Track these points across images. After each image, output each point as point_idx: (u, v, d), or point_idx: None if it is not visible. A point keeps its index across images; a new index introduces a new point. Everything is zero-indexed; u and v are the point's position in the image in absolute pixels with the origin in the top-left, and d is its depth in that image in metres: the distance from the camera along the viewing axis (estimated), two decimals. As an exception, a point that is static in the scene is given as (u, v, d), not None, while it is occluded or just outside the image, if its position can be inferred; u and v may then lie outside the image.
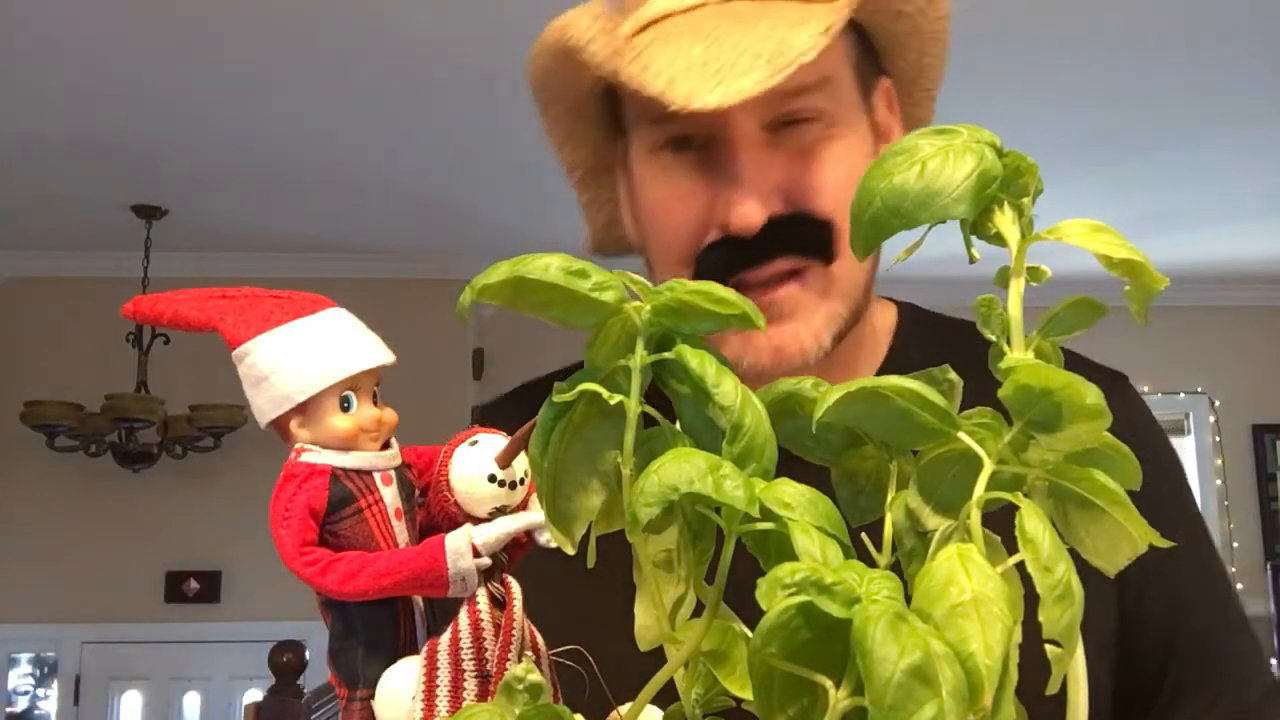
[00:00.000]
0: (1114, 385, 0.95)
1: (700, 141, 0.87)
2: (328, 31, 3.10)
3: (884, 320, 1.02)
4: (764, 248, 0.85)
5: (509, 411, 0.94)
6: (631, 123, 0.92)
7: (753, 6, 0.85)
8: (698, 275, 0.87)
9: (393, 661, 0.61)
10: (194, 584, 4.87)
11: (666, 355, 0.52)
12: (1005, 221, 0.53)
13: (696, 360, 0.51)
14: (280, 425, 0.64)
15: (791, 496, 0.49)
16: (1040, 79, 3.46)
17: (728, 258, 0.86)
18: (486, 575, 0.61)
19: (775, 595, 0.44)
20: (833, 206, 0.85)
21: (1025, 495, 0.50)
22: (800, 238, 0.86)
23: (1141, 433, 0.93)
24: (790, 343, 0.87)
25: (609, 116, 0.95)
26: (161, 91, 3.46)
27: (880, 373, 0.97)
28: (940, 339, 0.99)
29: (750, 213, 0.84)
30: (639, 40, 0.85)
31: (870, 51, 0.93)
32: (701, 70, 0.78)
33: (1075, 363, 0.99)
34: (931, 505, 0.53)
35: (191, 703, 4.90)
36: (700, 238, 0.87)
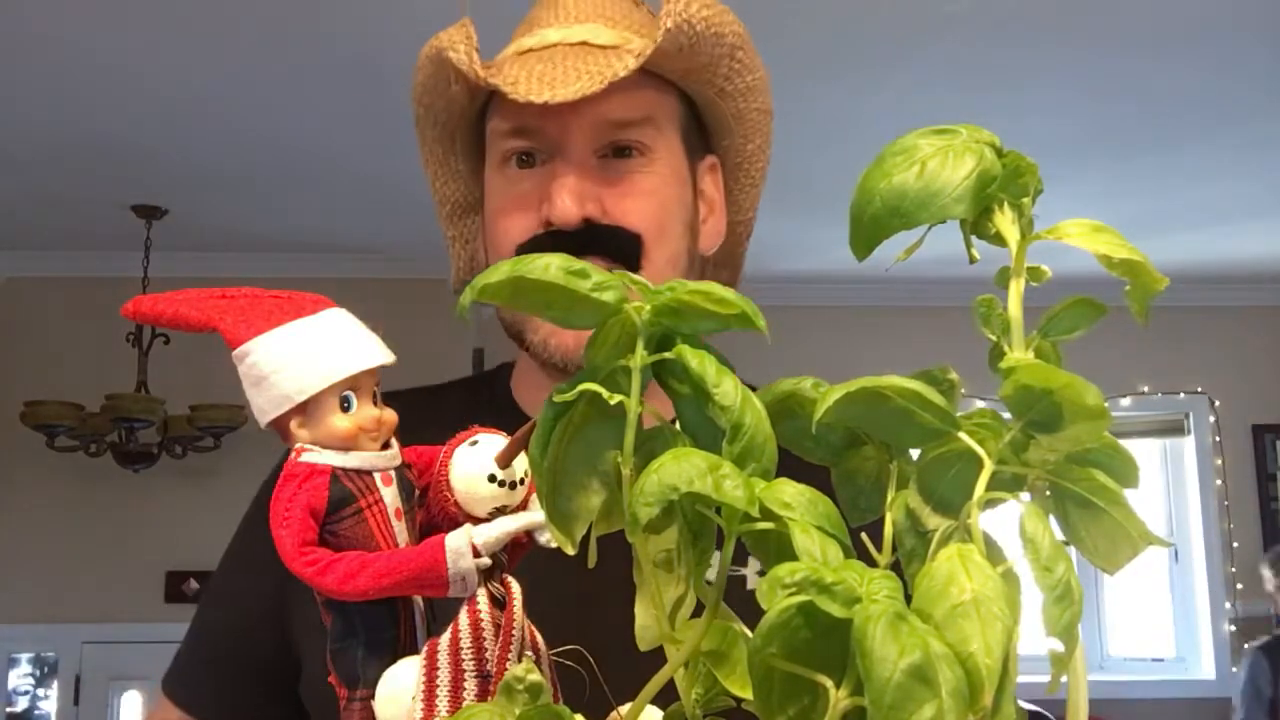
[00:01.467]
0: None
1: (542, 158, 1.00)
2: (328, 31, 3.10)
3: None
4: (578, 243, 0.95)
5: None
6: (489, 141, 1.04)
7: (593, 50, 1.01)
8: None
9: (393, 661, 0.61)
10: (194, 584, 4.87)
11: (666, 355, 0.52)
12: (1005, 221, 0.53)
13: (696, 360, 0.51)
14: (280, 425, 0.64)
15: (791, 496, 0.49)
16: (1040, 79, 3.46)
17: (545, 248, 0.96)
18: (486, 575, 0.61)
19: (775, 595, 0.44)
20: (643, 224, 0.99)
21: (1025, 495, 0.50)
22: (612, 243, 0.98)
23: None
24: None
25: (477, 150, 1.08)
26: (161, 91, 3.46)
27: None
28: None
29: (568, 207, 0.96)
30: (503, 55, 1.04)
31: (701, 128, 1.07)
32: (539, 79, 0.95)
33: None
34: (931, 505, 0.53)
35: (191, 703, 4.89)
36: (526, 236, 0.99)
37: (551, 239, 0.97)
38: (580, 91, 0.93)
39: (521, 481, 0.62)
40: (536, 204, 0.99)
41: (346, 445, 0.63)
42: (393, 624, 0.62)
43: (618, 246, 0.98)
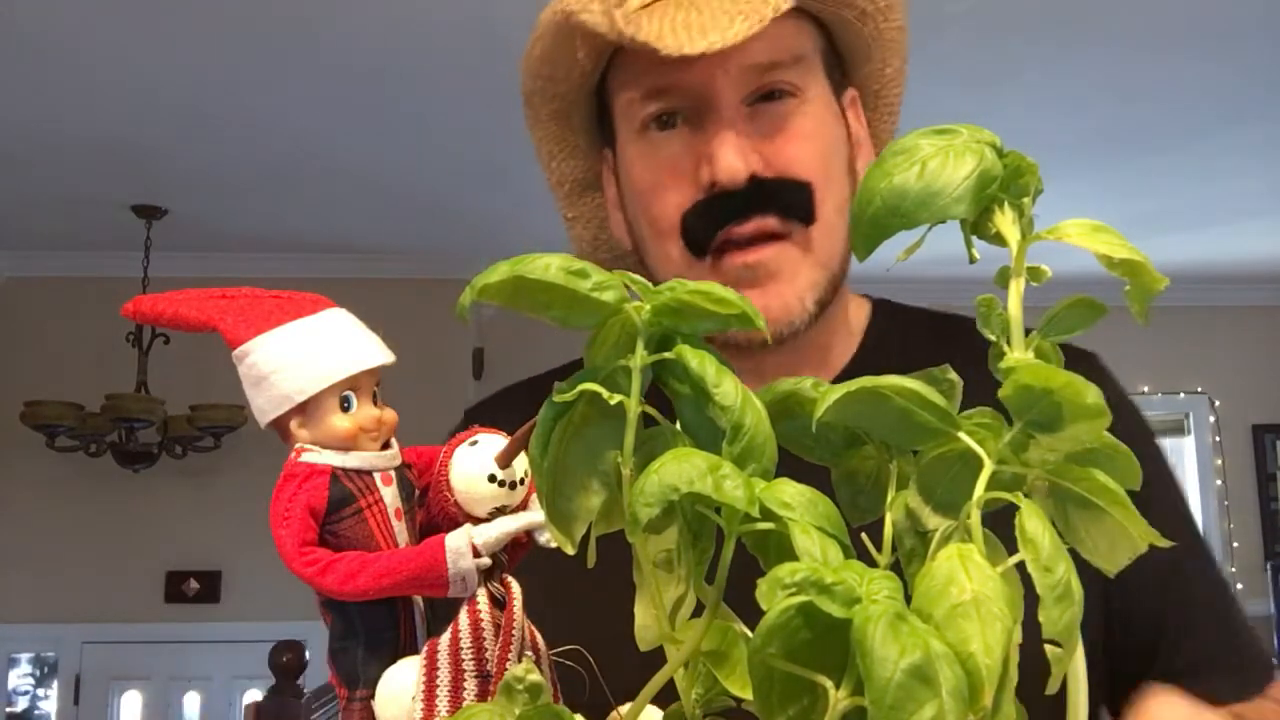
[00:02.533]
0: (1084, 363, 0.96)
1: (685, 115, 0.92)
2: (328, 31, 3.10)
3: (858, 314, 1.05)
4: (747, 202, 0.89)
5: (497, 412, 0.98)
6: (620, 111, 0.96)
7: None
8: (685, 236, 0.92)
9: (393, 661, 0.61)
10: (194, 584, 4.87)
11: (666, 355, 0.52)
12: (1005, 221, 0.53)
13: (696, 360, 0.51)
14: (280, 425, 0.64)
15: (791, 496, 0.49)
16: (1041, 79, 3.46)
17: (714, 212, 0.90)
18: (486, 575, 0.61)
19: (775, 595, 0.44)
20: (810, 172, 0.91)
21: (1025, 495, 0.50)
22: (782, 197, 0.90)
23: (1116, 408, 0.95)
24: (775, 303, 0.91)
25: (596, 122, 1.01)
26: (161, 91, 3.46)
27: (855, 363, 1.00)
28: (921, 330, 1.03)
29: (734, 164, 0.88)
30: (630, 9, 0.90)
31: (838, 60, 0.99)
32: (685, 28, 0.85)
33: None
34: (931, 505, 0.53)
35: (191, 703, 4.90)
36: (690, 202, 0.91)
37: (719, 202, 0.89)
38: (741, 35, 0.84)
39: (521, 481, 0.62)
40: (692, 168, 0.91)
41: (346, 445, 0.63)
42: (393, 624, 0.62)
43: (789, 200, 0.90)
